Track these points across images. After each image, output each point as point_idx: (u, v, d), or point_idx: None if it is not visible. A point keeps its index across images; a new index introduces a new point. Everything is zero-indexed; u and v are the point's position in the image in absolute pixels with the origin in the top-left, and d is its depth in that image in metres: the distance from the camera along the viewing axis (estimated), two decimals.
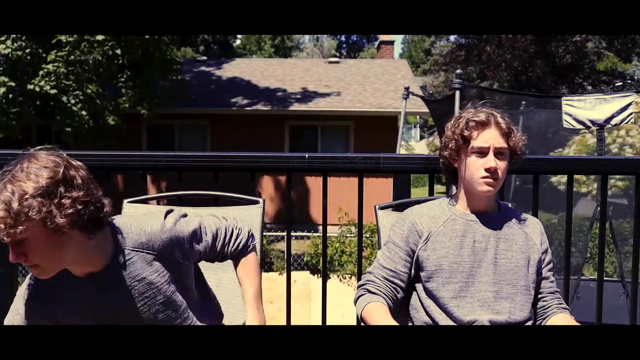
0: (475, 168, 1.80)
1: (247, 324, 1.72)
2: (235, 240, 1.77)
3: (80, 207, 1.38)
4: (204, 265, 1.84)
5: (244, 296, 1.77)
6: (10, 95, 9.02)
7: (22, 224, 1.32)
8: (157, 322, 1.61)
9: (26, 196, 1.32)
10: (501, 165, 1.80)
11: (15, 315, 1.58)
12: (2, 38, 8.93)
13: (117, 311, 1.58)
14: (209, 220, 1.74)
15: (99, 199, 1.45)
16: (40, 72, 9.18)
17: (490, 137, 1.79)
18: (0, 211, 1.32)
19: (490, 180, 1.79)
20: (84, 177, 1.42)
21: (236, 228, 1.79)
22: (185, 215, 1.68)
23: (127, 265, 1.55)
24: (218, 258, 1.78)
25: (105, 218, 1.49)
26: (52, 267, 1.44)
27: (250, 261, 1.81)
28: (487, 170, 1.78)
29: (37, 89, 9.08)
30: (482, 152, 1.79)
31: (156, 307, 1.60)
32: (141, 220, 1.60)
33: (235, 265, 1.81)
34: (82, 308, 1.56)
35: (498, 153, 1.79)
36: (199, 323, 1.70)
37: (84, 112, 9.46)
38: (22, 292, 1.59)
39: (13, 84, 8.97)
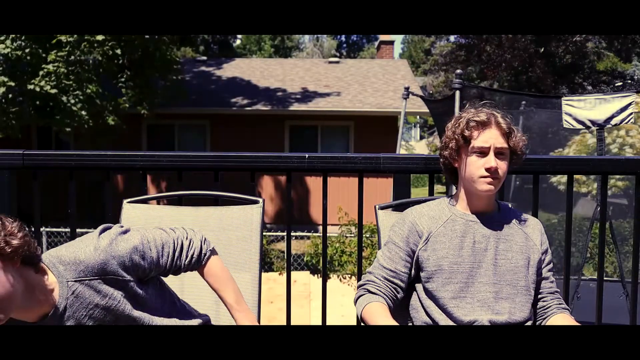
0: (475, 167, 1.80)
1: None
2: (187, 252, 1.70)
3: (25, 233, 1.42)
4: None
5: (225, 304, 1.74)
6: (10, 95, 9.03)
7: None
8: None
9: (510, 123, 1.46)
10: (502, 165, 1.80)
11: None
12: (2, 38, 8.93)
13: (109, 320, 1.57)
14: (154, 234, 1.67)
15: (30, 236, 1.47)
16: (40, 72, 9.18)
17: (490, 137, 1.79)
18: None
19: (491, 179, 1.79)
20: (10, 218, 1.45)
21: (186, 239, 1.71)
22: (125, 232, 1.62)
23: (75, 298, 1.52)
24: (171, 272, 1.70)
25: (39, 253, 1.49)
26: (5, 311, 1.39)
27: (214, 269, 1.74)
28: (487, 169, 1.78)
29: (37, 89, 9.08)
30: (483, 152, 1.80)
31: (131, 314, 1.59)
32: (73, 247, 1.56)
33: (202, 275, 1.76)
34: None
35: (498, 153, 1.80)
36: (168, 325, 1.69)
37: (83, 112, 9.46)
38: None
39: (13, 84, 8.97)
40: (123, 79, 10.66)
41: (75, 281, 1.52)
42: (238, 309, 1.73)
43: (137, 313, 1.61)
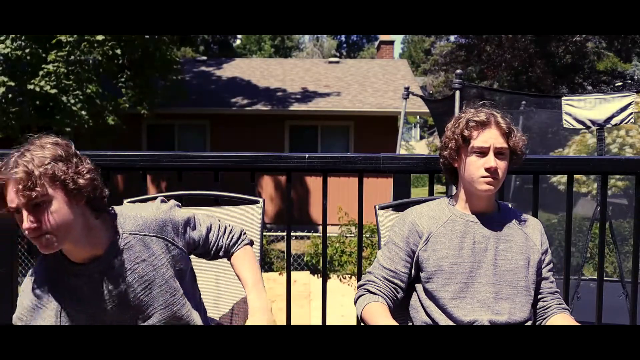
0: (475, 167, 1.80)
1: (250, 310, 1.71)
2: (230, 233, 1.82)
3: (94, 177, 1.52)
4: (203, 265, 1.83)
5: (244, 284, 1.77)
6: (10, 95, 9.02)
7: (42, 185, 1.42)
8: (157, 307, 1.64)
9: (46, 161, 1.45)
10: (501, 165, 1.80)
11: (23, 310, 1.59)
12: (2, 38, 8.92)
13: (121, 294, 1.60)
14: (201, 215, 1.81)
15: (102, 182, 1.57)
16: (40, 72, 9.18)
17: (490, 137, 1.79)
18: (20, 172, 1.41)
19: (490, 179, 1.79)
20: (89, 159, 1.56)
21: (229, 225, 1.84)
22: (179, 206, 1.75)
23: (126, 249, 1.60)
24: (213, 250, 1.80)
25: (106, 202, 1.59)
26: (61, 238, 1.48)
27: (247, 251, 1.84)
28: (487, 169, 1.78)
29: (37, 89, 9.08)
30: (482, 152, 1.80)
31: (156, 291, 1.63)
32: (137, 207, 1.70)
33: (232, 260, 1.83)
34: (88, 295, 1.59)
35: (498, 153, 1.80)
36: (194, 312, 1.72)
37: (83, 112, 9.46)
38: (26, 286, 1.61)
39: (13, 84, 8.97)
40: (123, 79, 10.66)
41: (130, 234, 1.61)
42: (254, 291, 1.74)
43: (176, 283, 1.66)
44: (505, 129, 1.80)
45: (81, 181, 1.48)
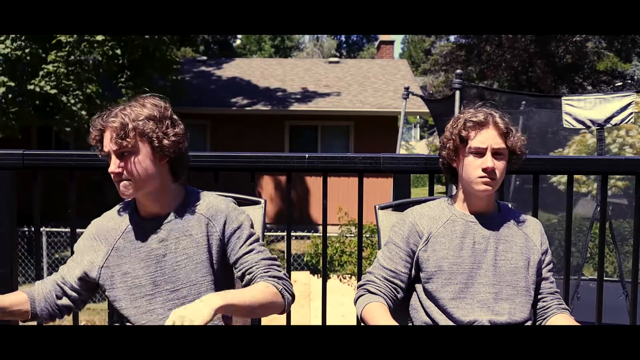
0: (472, 168, 1.80)
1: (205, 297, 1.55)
2: (268, 268, 1.72)
3: (179, 141, 1.69)
4: None
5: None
6: (10, 95, 9.02)
7: (133, 137, 1.63)
8: (185, 283, 1.72)
9: (141, 117, 1.64)
10: (499, 165, 1.80)
11: (80, 244, 1.79)
12: (2, 38, 8.92)
13: (159, 258, 1.73)
14: (258, 239, 1.80)
15: (187, 150, 1.75)
16: (40, 72, 9.17)
17: (488, 138, 1.79)
18: (117, 122, 1.63)
19: (488, 180, 1.79)
20: (182, 126, 1.73)
21: (277, 266, 1.75)
22: (250, 221, 1.81)
23: (184, 219, 1.74)
24: (239, 269, 1.74)
25: (186, 170, 1.79)
26: (137, 187, 1.66)
27: (265, 287, 1.66)
28: (484, 170, 1.78)
29: (37, 89, 9.08)
30: (480, 152, 1.80)
31: (190, 267, 1.72)
32: (213, 195, 1.82)
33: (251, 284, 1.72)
34: (131, 251, 1.74)
35: (496, 153, 1.79)
36: None
37: (83, 112, 9.46)
38: (94, 224, 1.83)
39: (12, 84, 8.97)
40: (123, 79, 10.66)
41: (194, 208, 1.75)
42: (230, 292, 1.60)
43: (207, 268, 1.73)
44: (503, 129, 1.80)
45: (165, 142, 1.66)
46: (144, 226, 1.75)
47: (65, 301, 1.81)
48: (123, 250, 1.76)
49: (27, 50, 9.02)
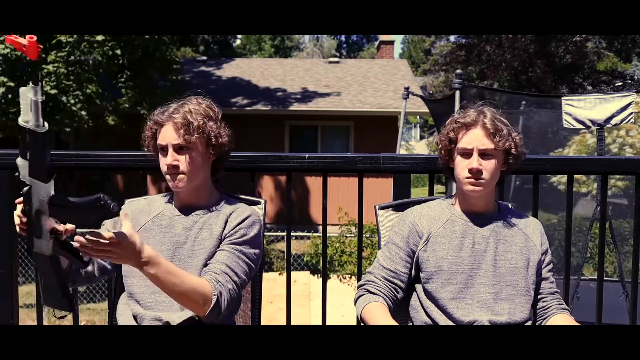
0: (460, 168, 1.82)
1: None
2: (230, 271, 1.74)
3: (229, 142, 1.84)
4: None
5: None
6: (10, 96, 9.02)
7: (192, 134, 1.73)
8: (197, 269, 1.75)
9: (203, 115, 1.77)
10: (487, 165, 1.79)
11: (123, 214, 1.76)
12: (1, 38, 8.92)
13: (179, 244, 1.80)
14: (249, 259, 1.81)
15: (230, 151, 1.88)
16: (40, 73, 9.17)
17: (474, 139, 1.80)
18: (180, 118, 1.74)
19: (473, 180, 1.79)
20: (227, 129, 1.86)
21: (237, 279, 1.75)
22: (256, 238, 1.85)
23: (211, 215, 1.82)
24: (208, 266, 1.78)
25: (223, 169, 1.91)
26: (189, 180, 1.78)
27: (204, 285, 1.67)
28: (470, 170, 1.78)
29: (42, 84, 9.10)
30: (466, 153, 1.80)
31: (204, 256, 1.77)
32: (246, 206, 1.91)
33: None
34: (155, 235, 1.82)
35: (483, 154, 1.79)
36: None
37: (83, 112, 9.47)
38: (126, 206, 1.91)
39: (12, 84, 8.97)
40: (123, 79, 10.66)
41: (220, 206, 1.85)
42: (153, 258, 1.57)
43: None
44: (491, 130, 1.79)
45: (220, 141, 1.79)
46: (175, 215, 1.85)
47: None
48: (150, 231, 1.84)
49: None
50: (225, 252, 1.77)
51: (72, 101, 9.41)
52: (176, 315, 1.74)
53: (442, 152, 1.88)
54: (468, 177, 1.79)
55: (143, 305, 1.78)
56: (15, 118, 9.25)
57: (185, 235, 1.81)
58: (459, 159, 1.82)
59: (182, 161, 1.75)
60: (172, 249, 1.80)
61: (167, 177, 1.80)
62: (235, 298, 1.74)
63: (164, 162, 1.79)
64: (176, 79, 11.73)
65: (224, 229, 1.81)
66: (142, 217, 1.88)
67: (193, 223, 1.82)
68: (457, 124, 1.82)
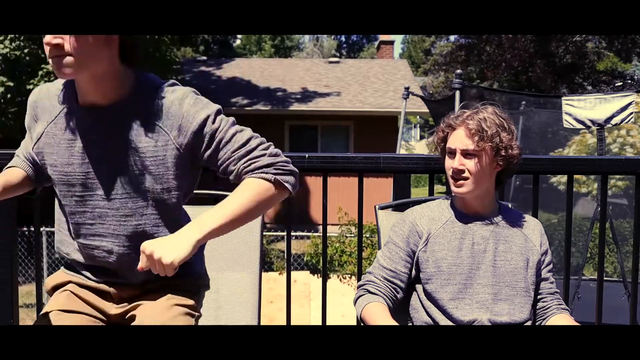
0: (446, 168, 1.87)
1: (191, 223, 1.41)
2: (250, 157, 1.47)
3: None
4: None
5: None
6: (9, 95, 9.03)
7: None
8: (140, 188, 1.50)
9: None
10: (469, 165, 1.80)
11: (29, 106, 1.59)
12: (0, 38, 8.93)
13: (103, 155, 1.50)
14: (231, 125, 1.51)
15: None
16: (40, 72, 9.18)
17: (457, 139, 1.83)
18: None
19: (454, 181, 1.83)
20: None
21: (259, 146, 1.49)
22: (234, 122, 1.52)
23: (132, 111, 1.48)
24: (221, 169, 1.52)
25: (137, 59, 1.51)
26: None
27: (254, 184, 1.44)
28: (452, 170, 1.82)
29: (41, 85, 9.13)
30: (451, 153, 1.85)
31: (140, 170, 1.49)
32: (178, 92, 1.51)
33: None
34: (74, 138, 1.51)
35: (466, 154, 1.81)
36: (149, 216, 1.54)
37: None
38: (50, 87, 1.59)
39: (12, 84, 8.97)
40: None
41: (146, 101, 1.48)
42: (214, 209, 1.42)
43: (144, 177, 1.49)
44: (473, 130, 1.79)
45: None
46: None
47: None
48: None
49: (26, 51, 9.02)
50: (225, 146, 1.49)
51: None
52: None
53: (438, 151, 1.94)
54: (452, 177, 1.84)
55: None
56: (15, 118, 9.26)
57: (115, 146, 1.49)
58: (446, 159, 1.88)
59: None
60: (109, 155, 1.49)
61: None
62: (277, 153, 1.51)
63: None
64: (176, 79, 11.76)
65: (178, 145, 1.48)
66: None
67: (121, 130, 1.49)
68: (444, 124, 1.88)
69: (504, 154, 1.80)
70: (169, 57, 11.29)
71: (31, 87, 9.11)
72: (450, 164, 1.84)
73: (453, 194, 1.89)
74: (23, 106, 7.86)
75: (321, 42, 38.93)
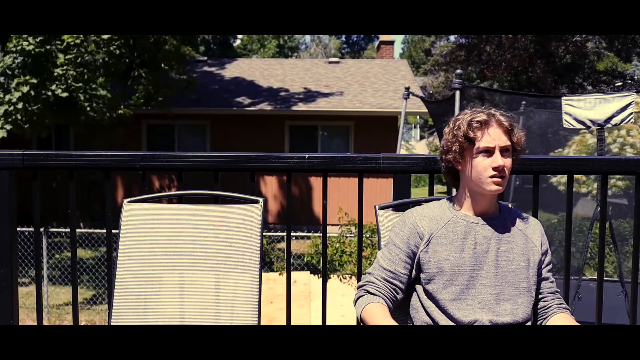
0: (482, 168, 1.80)
1: None
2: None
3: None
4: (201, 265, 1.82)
5: None
6: (33, 93, 9.02)
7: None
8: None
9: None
10: (507, 162, 1.81)
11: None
12: (23, 36, 8.92)
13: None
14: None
15: None
16: (54, 73, 9.22)
17: (494, 136, 1.80)
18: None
19: (499, 179, 1.80)
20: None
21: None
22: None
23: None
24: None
25: None
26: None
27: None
28: (495, 168, 1.78)
29: (53, 87, 9.19)
30: (488, 152, 1.80)
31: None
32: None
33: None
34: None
35: (503, 150, 1.81)
36: None
37: (90, 110, 9.57)
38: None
39: (35, 81, 8.98)
40: (134, 76, 10.85)
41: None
42: None
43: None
44: (507, 126, 1.82)
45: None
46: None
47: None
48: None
49: (47, 47, 9.04)
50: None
51: (82, 98, 9.51)
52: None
53: (456, 154, 1.84)
54: (493, 176, 1.79)
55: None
56: (38, 114, 9.24)
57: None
58: (479, 159, 1.80)
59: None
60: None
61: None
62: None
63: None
64: (183, 78, 11.85)
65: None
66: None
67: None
68: (475, 124, 1.80)
69: (519, 149, 1.85)
70: (181, 52, 11.45)
71: (54, 86, 9.13)
72: (488, 163, 1.79)
73: (485, 193, 1.83)
74: (44, 104, 7.87)
75: (324, 43, 38.91)
